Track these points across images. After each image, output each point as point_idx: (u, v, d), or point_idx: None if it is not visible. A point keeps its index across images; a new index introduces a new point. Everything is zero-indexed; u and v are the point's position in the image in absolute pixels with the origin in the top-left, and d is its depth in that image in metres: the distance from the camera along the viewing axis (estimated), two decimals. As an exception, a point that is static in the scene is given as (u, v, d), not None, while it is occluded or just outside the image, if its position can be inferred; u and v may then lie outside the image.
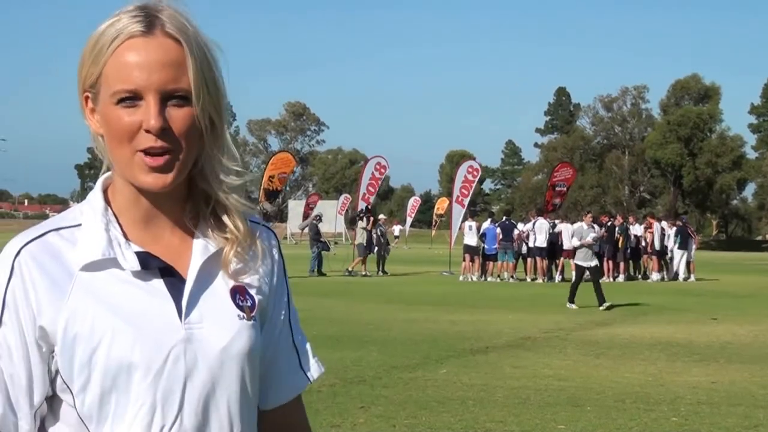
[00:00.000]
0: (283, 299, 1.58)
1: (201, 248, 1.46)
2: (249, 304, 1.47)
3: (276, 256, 1.57)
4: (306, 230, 28.01)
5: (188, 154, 1.40)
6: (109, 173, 1.49)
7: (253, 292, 1.49)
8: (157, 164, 1.37)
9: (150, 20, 1.39)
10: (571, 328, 13.87)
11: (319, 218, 29.00)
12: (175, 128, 1.38)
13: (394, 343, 11.64)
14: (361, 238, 27.81)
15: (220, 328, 1.43)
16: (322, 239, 28.27)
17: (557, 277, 26.58)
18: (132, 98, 1.37)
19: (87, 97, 1.44)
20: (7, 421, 1.38)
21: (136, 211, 1.45)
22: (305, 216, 60.14)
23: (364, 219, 28.23)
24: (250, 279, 1.49)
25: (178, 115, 1.38)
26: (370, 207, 29.70)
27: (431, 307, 17.04)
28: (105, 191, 1.48)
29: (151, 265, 1.42)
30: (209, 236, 1.47)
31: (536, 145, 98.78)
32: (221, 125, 1.45)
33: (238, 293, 1.47)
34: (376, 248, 28.20)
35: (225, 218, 1.48)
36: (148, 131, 1.36)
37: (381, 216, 32.41)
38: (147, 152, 1.37)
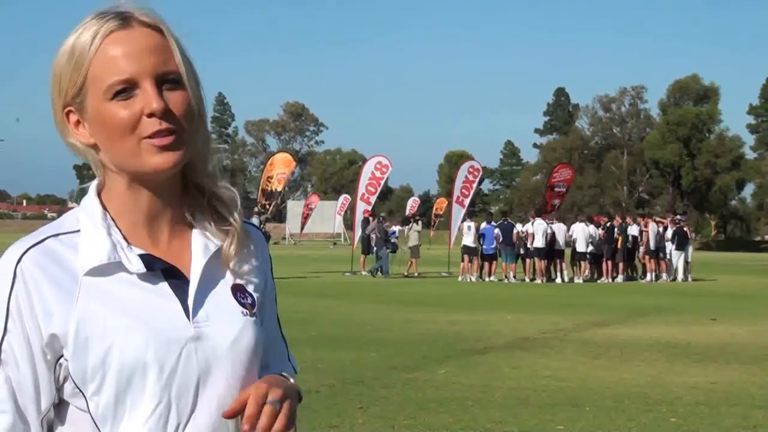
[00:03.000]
0: (272, 295, 1.62)
1: (202, 248, 1.47)
2: (250, 301, 1.50)
3: (265, 255, 1.60)
4: (373, 233, 27.96)
5: (190, 135, 1.42)
6: (99, 179, 1.49)
7: (251, 289, 1.52)
8: (167, 142, 1.39)
9: (123, 16, 1.41)
10: (569, 328, 13.88)
11: (383, 219, 29.03)
12: (174, 109, 1.39)
13: (393, 344, 11.64)
14: (415, 240, 27.83)
15: (227, 325, 1.45)
16: (392, 240, 28.27)
17: (558, 278, 26.59)
18: (127, 89, 1.38)
19: (69, 112, 1.43)
20: (16, 428, 1.38)
21: (135, 213, 1.45)
22: (305, 216, 60.28)
23: (419, 222, 28.33)
24: (247, 277, 1.52)
25: (174, 97, 1.40)
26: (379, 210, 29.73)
27: (430, 308, 17.04)
28: (99, 196, 1.48)
29: (155, 267, 1.43)
30: (208, 233, 1.49)
31: (535, 145, 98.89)
32: (203, 114, 1.46)
33: (239, 291, 1.50)
34: (375, 249, 28.23)
35: (222, 210, 1.50)
36: (151, 115, 1.37)
37: (382, 216, 32.50)
38: (152, 137, 1.38)
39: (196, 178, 1.48)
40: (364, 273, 27.46)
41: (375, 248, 27.66)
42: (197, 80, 1.45)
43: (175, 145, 1.39)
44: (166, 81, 1.40)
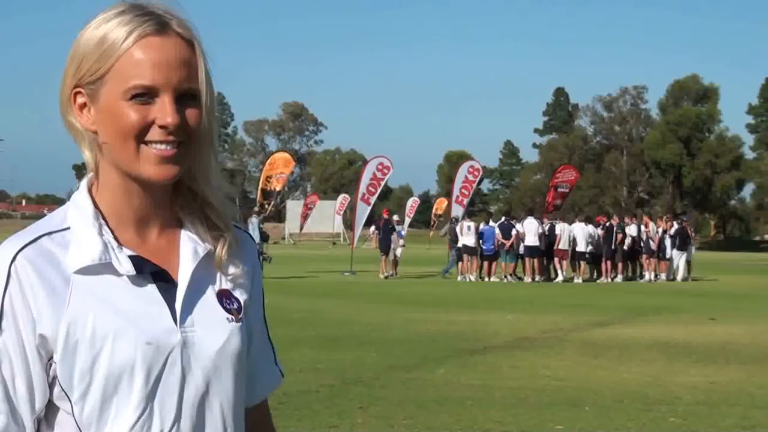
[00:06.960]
0: (260, 299, 1.61)
1: (191, 252, 1.47)
2: (236, 306, 1.49)
3: (254, 259, 1.60)
4: (446, 235, 28.08)
5: (194, 151, 1.43)
6: (90, 174, 1.49)
7: (237, 294, 1.51)
8: (167, 155, 1.40)
9: (161, 20, 1.42)
10: (569, 328, 13.88)
11: (456, 221, 29.08)
12: (186, 126, 1.41)
13: (393, 344, 11.64)
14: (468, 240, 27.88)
15: (212, 331, 1.44)
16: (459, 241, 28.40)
17: (559, 278, 26.52)
18: (146, 95, 1.39)
19: (77, 93, 1.43)
20: (10, 429, 1.37)
21: (127, 212, 1.45)
22: (304, 216, 60.29)
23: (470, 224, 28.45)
24: (235, 281, 1.51)
25: (189, 114, 1.41)
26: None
27: (429, 308, 17.05)
28: (90, 192, 1.47)
29: (144, 270, 1.43)
30: (197, 237, 1.49)
31: (535, 145, 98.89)
32: (215, 127, 1.48)
33: (225, 297, 1.49)
34: (448, 250, 28.06)
35: (213, 217, 1.50)
36: (163, 127, 1.39)
37: (395, 217, 32.49)
38: (157, 143, 1.39)
39: (192, 185, 1.48)
40: (382, 276, 26.61)
41: (448, 249, 27.64)
42: (213, 96, 1.46)
43: (176, 158, 1.40)
44: (184, 96, 1.41)
